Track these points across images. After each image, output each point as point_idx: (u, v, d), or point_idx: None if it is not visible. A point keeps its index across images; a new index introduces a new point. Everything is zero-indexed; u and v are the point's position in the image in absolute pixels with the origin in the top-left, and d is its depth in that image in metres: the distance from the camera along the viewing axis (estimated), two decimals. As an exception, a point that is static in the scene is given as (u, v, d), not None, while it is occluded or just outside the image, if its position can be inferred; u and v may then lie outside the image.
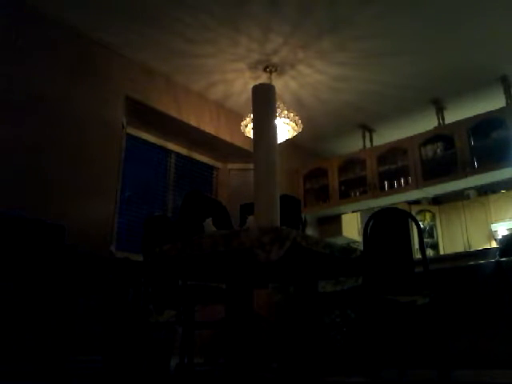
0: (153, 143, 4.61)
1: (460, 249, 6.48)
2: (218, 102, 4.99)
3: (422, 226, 6.54)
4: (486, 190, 6.52)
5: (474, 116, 4.71)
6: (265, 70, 4.37)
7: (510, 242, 3.19)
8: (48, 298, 2.64)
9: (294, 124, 4.34)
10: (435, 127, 5.05)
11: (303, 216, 5.25)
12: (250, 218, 2.03)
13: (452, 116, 4.98)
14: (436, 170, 4.93)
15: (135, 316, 2.78)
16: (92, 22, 3.75)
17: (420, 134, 5.07)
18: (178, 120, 4.54)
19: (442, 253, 6.74)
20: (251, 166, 1.90)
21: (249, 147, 4.96)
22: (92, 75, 3.86)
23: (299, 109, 4.87)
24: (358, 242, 5.82)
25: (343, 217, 5.93)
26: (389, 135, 5.46)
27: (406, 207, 6.40)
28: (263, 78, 4.40)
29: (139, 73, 4.26)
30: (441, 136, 4.95)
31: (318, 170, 5.80)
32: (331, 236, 5.77)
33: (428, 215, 7.11)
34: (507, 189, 6.34)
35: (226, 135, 5.00)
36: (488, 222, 6.54)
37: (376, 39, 4.01)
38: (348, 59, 4.29)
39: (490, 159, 4.56)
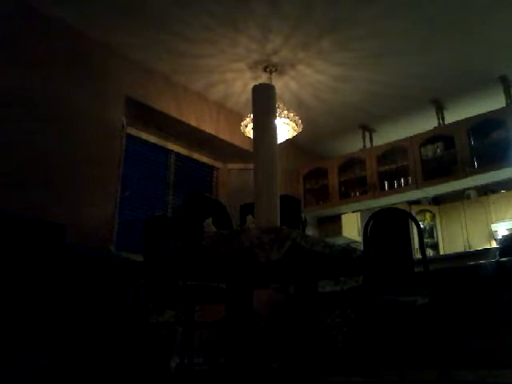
0: (153, 143, 4.61)
1: (460, 249, 6.48)
2: (218, 102, 4.99)
3: (422, 226, 6.54)
4: (486, 190, 6.53)
5: (474, 116, 4.71)
6: (265, 69, 4.36)
7: (510, 242, 3.19)
8: (48, 298, 2.64)
9: (293, 124, 4.34)
10: (435, 127, 5.05)
11: (303, 216, 5.25)
12: (249, 218, 2.03)
13: (452, 116, 4.98)
14: (436, 170, 4.94)
15: (135, 316, 2.78)
16: (92, 22, 3.74)
17: (420, 133, 5.07)
18: (178, 120, 4.54)
19: (442, 253, 6.74)
20: (251, 166, 1.90)
21: (249, 147, 4.96)
22: (92, 75, 3.86)
23: (299, 109, 4.87)
24: (358, 242, 5.82)
25: (343, 217, 5.93)
26: (389, 135, 5.46)
27: (406, 207, 6.40)
28: (263, 78, 4.40)
29: (139, 73, 4.26)
30: (441, 136, 4.95)
31: (318, 170, 5.80)
32: (331, 236, 5.77)
33: (428, 215, 7.12)
34: (507, 189, 6.34)
35: (225, 135, 5.00)
36: (488, 222, 6.54)
37: (376, 39, 4.01)
38: (348, 59, 4.29)
39: (490, 159, 4.56)
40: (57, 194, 3.39)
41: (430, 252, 6.77)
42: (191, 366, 2.78)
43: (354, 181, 5.55)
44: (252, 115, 2.00)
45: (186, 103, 4.64)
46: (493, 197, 6.61)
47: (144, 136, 4.52)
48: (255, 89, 1.99)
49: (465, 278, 3.12)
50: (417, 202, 6.92)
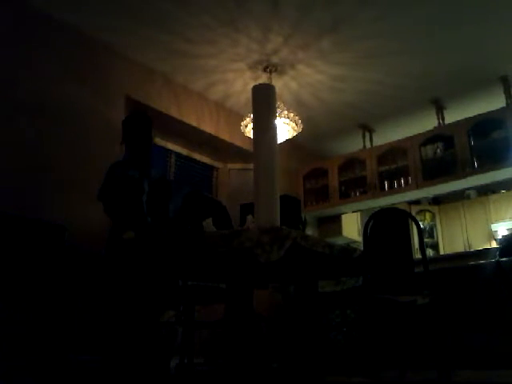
0: (153, 143, 4.60)
1: (460, 249, 6.47)
2: (218, 102, 4.99)
3: (422, 226, 6.52)
4: (485, 190, 6.52)
5: (474, 116, 4.71)
6: (265, 70, 4.36)
7: (510, 242, 3.19)
8: (48, 298, 2.64)
9: (293, 124, 4.34)
10: (435, 127, 5.05)
11: (303, 216, 5.25)
12: (249, 218, 2.03)
13: (452, 116, 4.98)
14: (436, 170, 4.93)
15: (135, 316, 2.78)
16: (92, 23, 3.74)
17: (420, 133, 5.07)
18: (178, 120, 4.54)
19: (442, 253, 6.73)
20: (251, 166, 1.90)
21: (249, 147, 4.95)
22: (92, 75, 3.86)
23: (299, 109, 4.86)
24: (358, 242, 5.82)
25: (343, 217, 5.92)
26: (389, 135, 5.46)
27: (406, 207, 6.39)
28: (263, 78, 4.40)
29: (139, 73, 4.26)
30: (441, 136, 4.95)
31: (318, 170, 5.80)
32: (331, 236, 5.77)
33: (428, 215, 7.11)
34: (507, 189, 6.33)
35: (225, 135, 5.00)
36: (488, 222, 6.53)
37: (376, 39, 4.01)
38: (348, 59, 4.29)
39: (490, 159, 4.55)
40: (57, 194, 3.39)
41: (429, 252, 6.76)
42: (191, 365, 2.78)
43: (354, 181, 5.55)
44: (252, 115, 2.00)
45: (185, 103, 4.64)
46: (493, 197, 6.60)
47: (144, 136, 4.51)
48: (255, 89, 1.99)
49: (465, 277, 3.13)
50: (417, 202, 6.91)
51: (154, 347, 2.60)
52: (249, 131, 4.35)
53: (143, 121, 2.77)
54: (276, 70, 4.38)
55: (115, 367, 2.45)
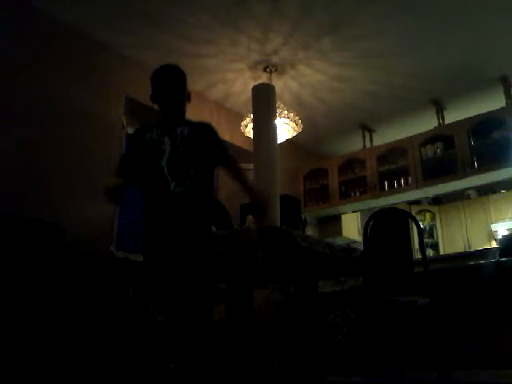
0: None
1: (460, 249, 6.46)
2: (218, 102, 4.98)
3: (422, 226, 6.52)
4: (486, 190, 6.51)
5: (474, 116, 4.71)
6: (265, 70, 4.36)
7: (510, 242, 3.19)
8: (48, 298, 2.64)
9: (293, 124, 4.34)
10: (435, 127, 5.05)
11: (303, 216, 5.25)
12: (249, 218, 2.03)
13: (452, 116, 4.98)
14: (436, 170, 4.93)
15: (135, 316, 2.78)
16: (92, 22, 3.74)
17: (420, 133, 5.07)
18: (178, 120, 4.53)
19: (442, 253, 6.73)
20: (251, 166, 1.90)
21: (249, 147, 4.95)
22: (92, 75, 3.85)
23: (299, 109, 4.86)
24: (358, 242, 5.81)
25: (343, 217, 5.92)
26: (389, 135, 5.46)
27: (406, 207, 6.39)
28: (263, 78, 4.40)
29: (139, 73, 4.25)
30: (441, 136, 4.95)
31: (318, 170, 5.80)
32: (331, 236, 5.76)
33: (428, 215, 7.10)
34: (507, 189, 6.32)
35: (225, 135, 4.99)
36: (488, 222, 6.53)
37: (376, 39, 4.01)
38: (348, 59, 4.29)
39: (490, 159, 4.55)
40: (57, 194, 3.39)
41: (429, 252, 6.76)
42: (191, 365, 2.78)
43: (354, 181, 5.55)
44: (252, 115, 2.00)
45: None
46: (493, 197, 6.59)
47: (144, 136, 4.51)
48: (255, 89, 1.99)
49: (465, 277, 3.12)
50: (417, 202, 6.91)
51: (154, 347, 2.60)
52: (249, 131, 4.35)
53: (172, 73, 2.44)
54: (276, 70, 4.38)
55: (115, 367, 2.45)
